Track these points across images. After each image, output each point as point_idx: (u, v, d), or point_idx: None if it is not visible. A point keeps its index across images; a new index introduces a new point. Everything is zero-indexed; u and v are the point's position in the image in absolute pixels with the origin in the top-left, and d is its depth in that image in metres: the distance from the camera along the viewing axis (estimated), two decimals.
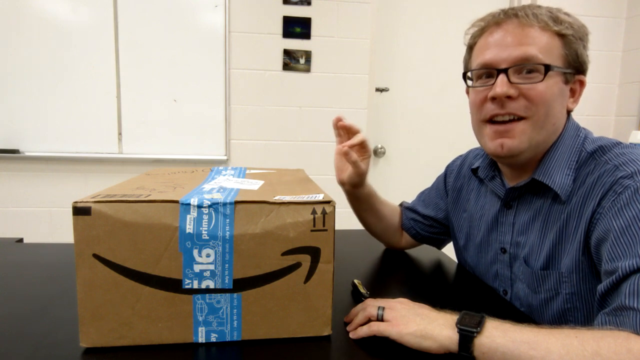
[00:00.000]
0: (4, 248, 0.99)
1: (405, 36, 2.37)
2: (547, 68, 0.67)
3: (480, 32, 0.74)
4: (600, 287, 0.58)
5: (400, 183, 2.46)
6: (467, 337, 0.53)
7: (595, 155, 0.68)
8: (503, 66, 0.69)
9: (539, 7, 0.70)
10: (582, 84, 0.73)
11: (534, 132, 0.69)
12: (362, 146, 0.84)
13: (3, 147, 2.05)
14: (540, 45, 0.67)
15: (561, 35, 0.68)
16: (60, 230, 2.17)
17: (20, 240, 1.07)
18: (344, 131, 0.85)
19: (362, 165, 0.84)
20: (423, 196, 1.04)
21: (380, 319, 0.60)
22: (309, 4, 2.20)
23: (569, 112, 0.74)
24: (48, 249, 0.99)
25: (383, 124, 2.42)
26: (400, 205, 1.07)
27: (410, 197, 1.09)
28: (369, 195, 0.93)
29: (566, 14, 0.70)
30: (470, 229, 0.88)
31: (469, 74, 0.76)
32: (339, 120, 0.83)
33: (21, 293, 0.72)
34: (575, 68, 0.70)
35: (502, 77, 0.68)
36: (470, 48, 0.77)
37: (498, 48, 0.70)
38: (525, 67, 0.68)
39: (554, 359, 0.48)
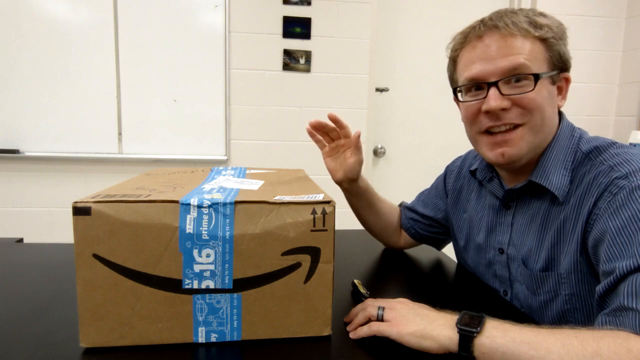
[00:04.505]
0: (4, 248, 0.99)
1: (405, 36, 2.37)
2: (537, 77, 0.67)
3: (462, 44, 0.74)
4: (599, 288, 0.58)
5: (400, 183, 2.47)
6: (467, 337, 0.53)
7: (591, 155, 0.68)
8: (493, 79, 0.69)
9: (516, 13, 0.70)
10: (567, 80, 0.73)
11: (531, 136, 0.70)
12: (347, 135, 0.86)
13: (3, 147, 2.05)
14: (526, 53, 0.68)
15: (543, 40, 0.68)
16: (60, 230, 2.17)
17: (20, 240, 1.07)
18: (328, 130, 0.87)
19: (360, 154, 0.86)
20: (422, 196, 1.04)
21: (380, 319, 0.60)
22: (309, 4, 2.20)
23: (558, 110, 0.75)
24: (48, 249, 0.99)
25: (383, 124, 2.42)
26: (400, 205, 1.07)
27: (410, 197, 1.09)
28: (366, 189, 0.94)
29: (542, 14, 0.70)
30: (470, 230, 0.88)
31: (458, 89, 0.76)
32: (314, 125, 0.85)
33: (21, 293, 0.72)
34: (559, 68, 0.71)
35: (493, 91, 0.69)
36: (454, 61, 0.77)
37: (484, 61, 0.69)
38: (515, 77, 0.68)
39: (554, 358, 0.48)
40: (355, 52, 2.27)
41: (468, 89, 0.74)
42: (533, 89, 0.67)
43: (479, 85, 0.72)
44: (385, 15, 2.34)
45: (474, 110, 0.73)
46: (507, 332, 0.52)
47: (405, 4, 2.35)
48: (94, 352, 0.54)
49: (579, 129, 0.74)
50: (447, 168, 1.01)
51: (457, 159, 1.00)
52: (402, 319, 0.58)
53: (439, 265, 0.97)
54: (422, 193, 1.06)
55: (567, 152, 0.71)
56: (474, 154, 0.93)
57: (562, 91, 0.73)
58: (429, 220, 0.99)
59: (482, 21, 0.71)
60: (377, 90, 2.38)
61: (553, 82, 0.71)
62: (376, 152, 2.42)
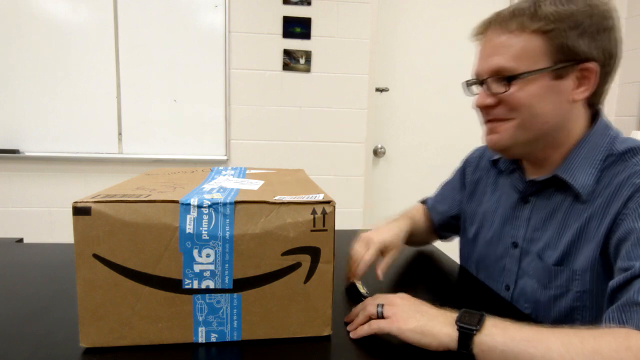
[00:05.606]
0: (4, 248, 0.99)
1: (405, 36, 2.37)
2: (510, 78, 0.68)
3: (477, 36, 0.77)
4: (612, 283, 0.58)
5: (400, 183, 2.46)
6: (466, 335, 0.53)
7: (626, 156, 0.67)
8: (483, 77, 0.73)
9: (526, 2, 0.68)
10: (588, 70, 0.68)
11: (518, 131, 0.71)
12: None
13: (3, 147, 2.05)
14: (512, 52, 0.68)
15: (544, 32, 0.66)
16: (60, 230, 2.17)
17: (20, 240, 1.07)
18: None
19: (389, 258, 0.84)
20: (444, 191, 1.05)
21: (380, 316, 0.60)
22: (309, 4, 2.20)
23: (595, 108, 0.73)
24: (48, 249, 0.99)
25: (383, 124, 2.42)
26: (424, 203, 1.08)
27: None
28: (406, 238, 0.94)
29: (553, 1, 0.67)
30: (483, 222, 0.88)
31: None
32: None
33: (21, 293, 0.72)
34: (571, 59, 0.67)
35: (482, 88, 0.74)
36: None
37: (480, 59, 0.74)
38: (497, 77, 0.70)
39: (554, 356, 0.48)
40: (355, 52, 2.27)
41: (475, 82, 0.77)
42: (508, 90, 0.69)
43: (480, 81, 0.75)
44: (385, 15, 2.34)
45: (475, 104, 0.76)
46: (506, 330, 0.52)
47: (405, 4, 2.35)
48: (94, 352, 0.54)
49: (614, 128, 0.73)
50: (466, 161, 1.00)
51: (475, 150, 1.00)
52: (402, 314, 0.58)
53: (439, 265, 0.97)
54: (443, 188, 1.05)
55: (598, 151, 0.70)
56: None
57: (582, 83, 0.69)
58: (454, 219, 1.00)
59: (492, 15, 0.73)
60: (377, 90, 2.38)
61: (560, 77, 0.68)
62: (376, 152, 2.42)
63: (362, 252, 0.80)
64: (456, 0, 2.37)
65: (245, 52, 2.19)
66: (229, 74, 2.19)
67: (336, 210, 0.57)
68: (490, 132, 0.75)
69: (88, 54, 2.06)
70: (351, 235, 1.16)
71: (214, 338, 0.57)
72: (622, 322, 0.53)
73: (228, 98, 2.20)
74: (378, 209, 2.46)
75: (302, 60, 2.23)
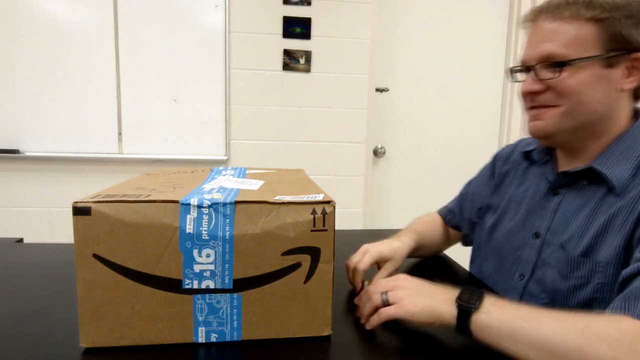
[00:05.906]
0: (4, 248, 0.99)
1: (405, 36, 2.37)
2: (562, 64, 0.68)
3: (525, 24, 0.77)
4: (625, 272, 0.58)
5: (400, 183, 2.46)
6: (465, 313, 0.55)
7: None
8: (531, 64, 0.73)
9: None
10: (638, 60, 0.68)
11: (564, 118, 0.71)
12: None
13: (3, 147, 2.05)
14: (564, 39, 0.68)
15: (597, 20, 0.67)
16: (60, 230, 2.17)
17: (20, 240, 1.07)
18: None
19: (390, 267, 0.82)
20: (465, 189, 1.04)
21: (386, 303, 0.61)
22: (309, 4, 2.20)
23: (625, 91, 0.72)
24: (48, 249, 0.99)
25: (383, 124, 2.42)
26: (440, 211, 1.07)
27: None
28: (414, 250, 0.92)
29: None
30: (506, 211, 0.87)
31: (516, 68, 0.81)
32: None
33: (21, 293, 0.72)
34: (623, 48, 0.67)
35: (529, 75, 0.74)
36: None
37: (529, 46, 0.74)
38: (543, 64, 0.71)
39: (545, 331, 0.50)
40: (355, 52, 2.27)
41: (521, 69, 0.77)
42: (559, 76, 0.69)
43: (527, 67, 0.75)
44: (385, 15, 2.34)
45: (521, 90, 0.77)
46: (503, 309, 0.54)
47: (405, 4, 2.35)
48: (94, 352, 0.54)
49: None
50: (496, 155, 1.00)
51: (505, 147, 1.00)
52: (407, 298, 0.60)
53: (440, 266, 0.97)
54: (467, 186, 1.05)
55: (636, 148, 0.70)
56: (526, 142, 0.93)
57: (631, 73, 0.69)
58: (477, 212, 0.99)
59: (547, 1, 0.73)
60: (377, 90, 2.38)
61: (610, 65, 0.68)
62: (376, 152, 2.42)
63: (357, 260, 0.79)
64: (456, 0, 2.38)
65: (245, 52, 2.19)
66: (229, 74, 2.19)
67: (336, 210, 0.57)
68: (534, 118, 0.74)
69: (88, 54, 2.06)
70: (351, 235, 1.16)
71: (214, 338, 0.57)
72: (624, 310, 0.53)
73: (228, 98, 2.20)
74: (378, 209, 2.46)
75: (302, 60, 2.23)
